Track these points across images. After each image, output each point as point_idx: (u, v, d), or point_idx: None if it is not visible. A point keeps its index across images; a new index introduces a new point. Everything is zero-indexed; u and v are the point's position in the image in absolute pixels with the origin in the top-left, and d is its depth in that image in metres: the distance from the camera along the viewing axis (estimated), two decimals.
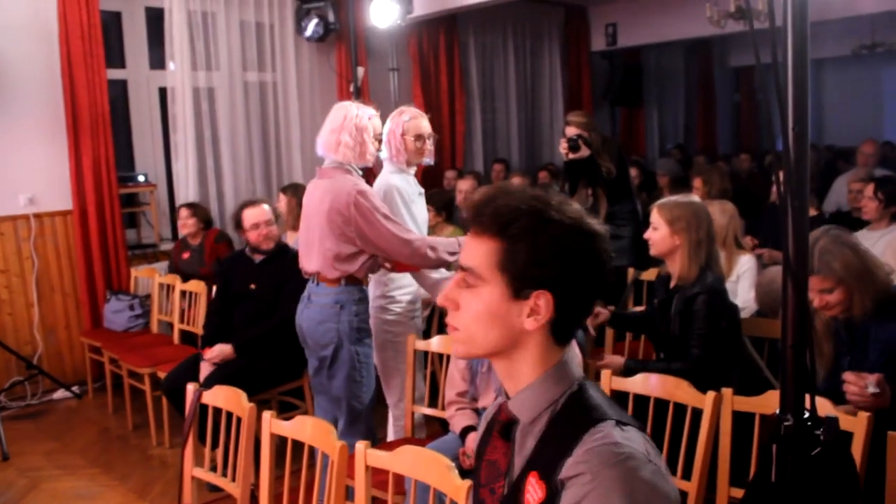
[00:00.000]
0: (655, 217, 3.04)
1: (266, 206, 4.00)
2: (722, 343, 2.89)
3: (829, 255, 2.49)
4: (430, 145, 3.49)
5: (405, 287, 3.53)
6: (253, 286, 3.94)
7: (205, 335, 4.02)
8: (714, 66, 11.73)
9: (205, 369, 3.75)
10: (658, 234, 3.01)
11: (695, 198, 3.19)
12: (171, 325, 4.97)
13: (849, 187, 5.57)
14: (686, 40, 10.09)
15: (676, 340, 2.94)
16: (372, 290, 3.47)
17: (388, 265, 3.25)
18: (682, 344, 2.92)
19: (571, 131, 5.00)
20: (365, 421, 3.18)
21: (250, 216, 3.96)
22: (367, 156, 3.11)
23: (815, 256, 2.47)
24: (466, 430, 2.65)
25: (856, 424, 2.13)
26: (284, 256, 3.98)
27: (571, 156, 4.69)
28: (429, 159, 3.52)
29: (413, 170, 3.54)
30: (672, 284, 3.04)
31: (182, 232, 5.35)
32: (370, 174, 3.51)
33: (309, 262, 3.18)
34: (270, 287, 3.90)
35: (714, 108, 11.76)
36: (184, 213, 5.29)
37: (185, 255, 5.31)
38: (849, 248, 2.50)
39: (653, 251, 3.08)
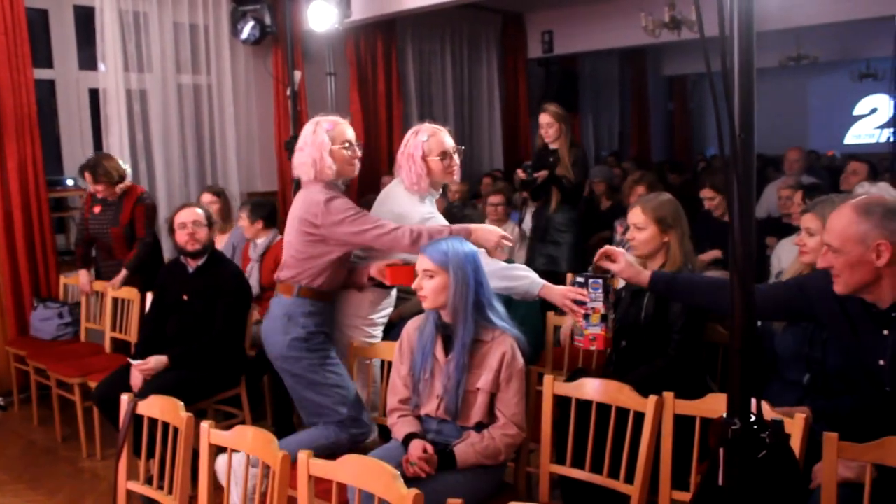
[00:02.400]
0: (640, 217, 3.04)
1: (199, 210, 3.88)
2: (699, 333, 2.96)
3: (829, 204, 2.58)
4: (457, 159, 3.20)
5: (386, 309, 3.45)
6: (185, 297, 3.84)
7: (138, 345, 3.91)
8: (648, 74, 11.98)
9: (136, 378, 3.64)
10: (646, 233, 3.02)
11: (667, 194, 3.24)
12: (101, 334, 4.81)
13: (778, 194, 5.72)
14: (621, 48, 10.30)
15: (646, 329, 2.97)
16: (357, 310, 3.28)
17: (386, 279, 3.09)
18: (653, 332, 2.96)
19: (546, 119, 5.19)
20: (350, 426, 3.05)
21: (179, 216, 3.86)
22: (326, 170, 3.00)
23: (821, 201, 2.68)
24: (409, 438, 2.62)
25: (793, 426, 2.17)
26: (220, 266, 3.87)
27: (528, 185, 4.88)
28: (457, 176, 3.26)
29: (438, 193, 3.28)
30: None
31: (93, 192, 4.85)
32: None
33: (281, 270, 3.13)
34: (204, 298, 3.78)
35: (648, 116, 12.02)
36: (86, 175, 4.77)
37: (97, 210, 4.87)
38: None
39: (637, 252, 3.05)
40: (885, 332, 2.15)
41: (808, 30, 8.92)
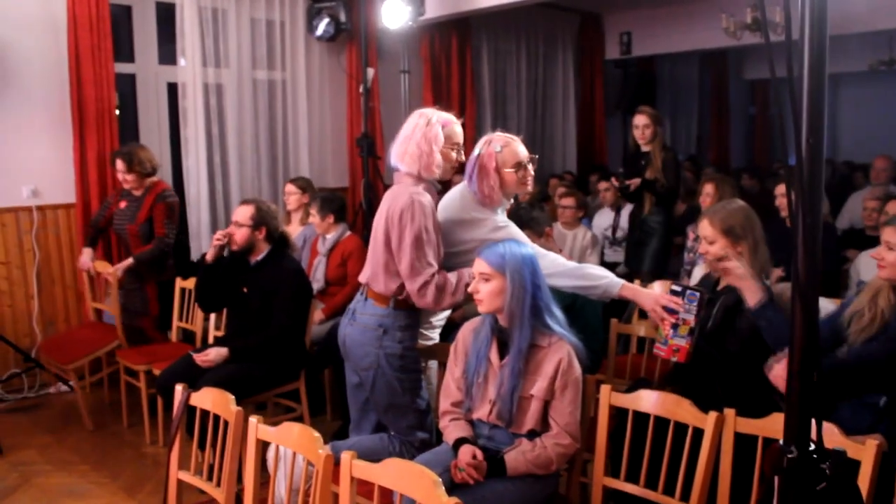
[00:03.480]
0: (709, 231, 2.94)
1: (251, 209, 3.82)
2: (761, 344, 2.81)
3: None
4: (531, 169, 3.04)
5: (445, 312, 3.36)
6: (245, 289, 3.87)
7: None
8: (729, 77, 11.65)
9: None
10: (717, 246, 2.92)
11: (738, 201, 3.12)
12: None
13: (864, 205, 5.48)
14: (701, 51, 10.03)
15: (710, 336, 2.87)
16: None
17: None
18: (714, 338, 2.86)
19: (643, 120, 5.17)
20: (418, 446, 2.95)
21: (235, 213, 3.90)
22: (433, 168, 2.83)
23: None
24: (459, 442, 2.58)
25: (863, 453, 2.05)
26: (280, 262, 3.86)
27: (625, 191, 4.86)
28: (530, 187, 3.11)
29: (508, 204, 3.13)
30: (721, 286, 2.99)
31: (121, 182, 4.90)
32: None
33: (365, 272, 3.02)
34: (261, 292, 3.79)
35: (728, 121, 11.68)
36: (118, 164, 4.77)
37: (123, 205, 4.89)
38: None
39: (712, 266, 2.97)
40: None
41: None
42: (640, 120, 5.31)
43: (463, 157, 2.98)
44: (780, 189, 4.91)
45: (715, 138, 11.56)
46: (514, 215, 3.41)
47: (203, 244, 5.96)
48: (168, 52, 5.95)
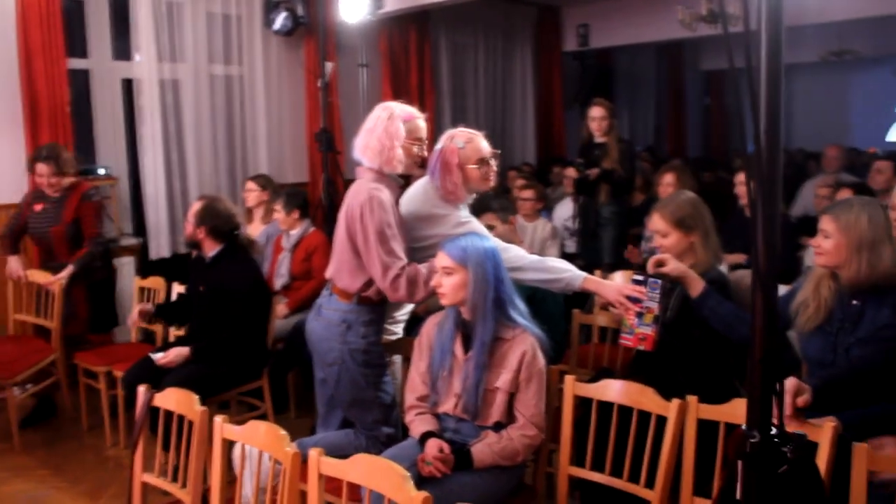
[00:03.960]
0: (660, 224, 3.01)
1: (196, 206, 3.83)
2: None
3: (846, 207, 2.57)
4: (494, 165, 3.05)
5: (409, 307, 3.37)
6: (202, 288, 3.85)
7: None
8: (685, 69, 11.77)
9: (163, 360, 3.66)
10: (670, 238, 3.00)
11: (687, 192, 3.18)
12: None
13: (816, 192, 5.59)
14: (657, 43, 10.13)
15: (670, 325, 2.90)
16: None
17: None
18: (674, 328, 2.89)
19: (599, 112, 5.18)
20: (385, 441, 2.95)
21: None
22: (394, 163, 2.84)
23: (839, 203, 2.64)
24: (426, 436, 2.59)
25: (821, 435, 2.09)
26: (231, 260, 3.82)
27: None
28: (493, 182, 3.12)
29: (470, 199, 3.12)
30: None
31: (39, 185, 4.62)
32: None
33: (330, 267, 3.00)
34: (214, 290, 3.76)
35: (684, 112, 11.81)
36: (41, 167, 4.50)
37: (38, 208, 4.62)
38: (867, 215, 2.52)
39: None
40: None
41: (850, 24, 8.69)
42: (597, 112, 5.35)
43: (425, 153, 2.98)
44: (740, 178, 4.97)
45: (672, 129, 11.69)
46: (480, 200, 3.42)
47: (162, 243, 5.89)
48: (122, 48, 5.85)
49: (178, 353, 3.65)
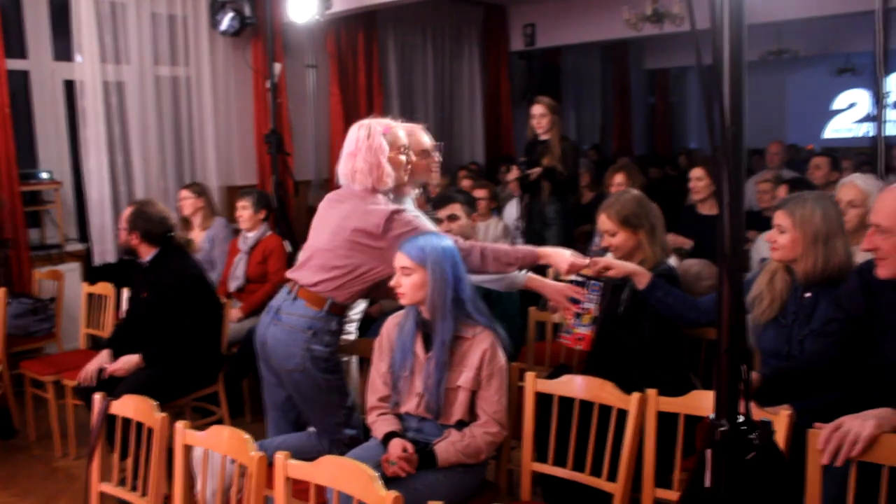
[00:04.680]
0: (608, 224, 3.06)
1: (127, 212, 3.79)
2: (672, 325, 2.96)
3: (800, 202, 2.63)
4: (438, 157, 3.08)
5: (360, 306, 3.37)
6: (145, 294, 3.79)
7: (108, 341, 3.88)
8: (630, 68, 11.96)
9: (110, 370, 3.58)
10: (618, 238, 3.05)
11: (631, 190, 3.24)
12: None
13: (757, 188, 5.72)
14: (603, 42, 10.26)
15: (623, 321, 2.96)
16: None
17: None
18: (628, 324, 2.94)
19: (539, 110, 5.20)
20: (348, 443, 2.90)
21: None
22: (385, 179, 2.80)
23: (793, 198, 2.67)
24: (389, 436, 2.58)
25: (778, 423, 2.15)
26: (167, 264, 3.75)
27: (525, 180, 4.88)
28: (436, 175, 3.14)
29: (415, 193, 3.12)
30: None
31: None
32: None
33: (301, 271, 2.91)
34: (153, 294, 3.72)
35: (629, 110, 11.99)
36: None
37: None
38: (822, 209, 2.60)
39: (617, 255, 3.09)
40: None
41: (788, 24, 8.93)
42: (537, 110, 5.39)
43: (413, 158, 2.96)
44: (695, 173, 5.03)
45: (618, 127, 11.86)
46: (445, 192, 3.44)
47: (107, 248, 5.77)
48: (63, 49, 5.71)
49: (127, 360, 3.59)
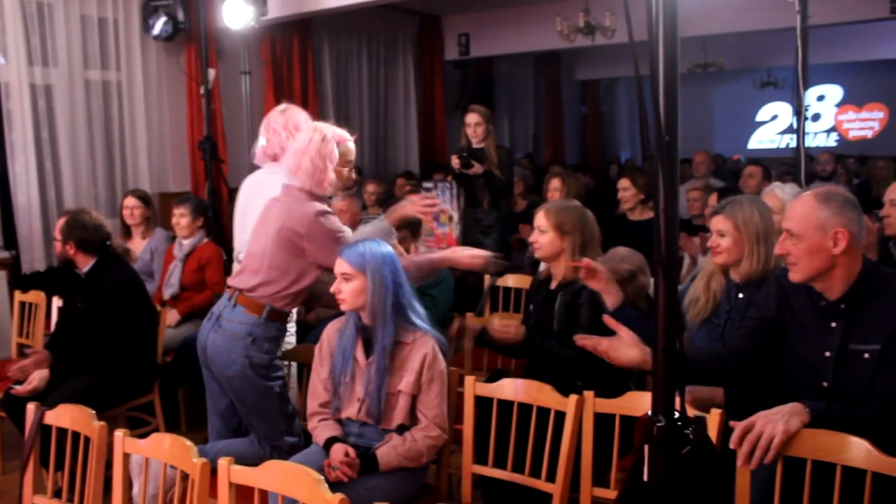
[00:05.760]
0: (543, 221, 3.12)
1: (61, 222, 3.71)
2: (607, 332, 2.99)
3: (738, 205, 2.75)
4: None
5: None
6: (79, 304, 3.71)
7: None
8: (562, 78, 12.16)
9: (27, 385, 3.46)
10: (546, 237, 3.10)
11: (575, 202, 3.31)
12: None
13: (687, 196, 5.90)
14: (536, 52, 10.43)
15: (560, 336, 3.02)
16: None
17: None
18: (565, 338, 2.98)
19: (474, 118, 5.25)
20: (288, 450, 2.91)
21: None
22: (325, 185, 2.87)
23: (729, 202, 2.77)
24: (330, 442, 2.59)
25: (710, 420, 2.24)
26: (104, 273, 3.68)
27: (464, 171, 4.88)
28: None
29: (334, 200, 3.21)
30: (554, 285, 3.17)
31: None
32: None
33: (240, 278, 2.92)
34: (90, 304, 3.64)
35: (562, 119, 12.19)
36: None
37: None
38: (758, 209, 2.74)
39: (539, 254, 3.18)
40: (833, 324, 2.21)
41: (714, 38, 9.23)
42: (472, 118, 5.42)
43: (354, 175, 3.03)
44: (622, 183, 5.16)
45: (550, 136, 12.05)
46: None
47: (35, 256, 5.61)
48: None
49: (40, 377, 3.47)
